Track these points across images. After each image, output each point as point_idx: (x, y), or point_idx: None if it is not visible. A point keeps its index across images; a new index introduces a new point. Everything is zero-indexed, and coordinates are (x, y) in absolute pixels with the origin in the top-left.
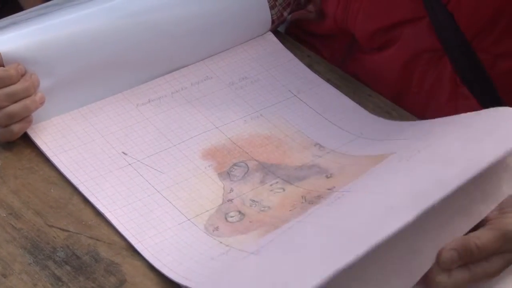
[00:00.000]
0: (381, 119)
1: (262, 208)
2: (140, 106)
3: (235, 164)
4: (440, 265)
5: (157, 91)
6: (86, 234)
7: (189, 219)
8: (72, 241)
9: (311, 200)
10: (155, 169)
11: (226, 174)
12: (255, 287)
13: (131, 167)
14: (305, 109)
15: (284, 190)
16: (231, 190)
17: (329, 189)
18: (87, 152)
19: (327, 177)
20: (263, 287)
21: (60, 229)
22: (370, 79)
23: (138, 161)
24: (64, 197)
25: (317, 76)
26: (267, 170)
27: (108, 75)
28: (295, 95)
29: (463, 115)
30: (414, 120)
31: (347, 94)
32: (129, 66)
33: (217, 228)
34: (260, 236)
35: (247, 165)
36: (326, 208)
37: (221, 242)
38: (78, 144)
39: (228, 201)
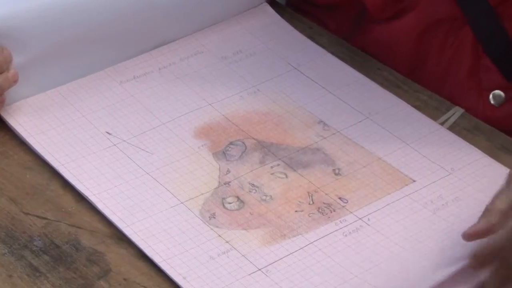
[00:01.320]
0: (391, 96)
1: (263, 197)
2: (124, 83)
3: (231, 143)
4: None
5: (142, 67)
6: (66, 222)
7: (182, 202)
8: (51, 229)
9: (320, 208)
10: (143, 150)
11: (221, 153)
12: None
13: (116, 147)
14: (307, 83)
15: (286, 176)
16: (228, 171)
17: (340, 199)
18: (66, 133)
19: (335, 173)
20: None
21: (37, 216)
22: (381, 52)
23: (124, 141)
24: (41, 183)
25: (320, 47)
26: (267, 149)
27: (88, 51)
28: (295, 68)
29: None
30: (429, 93)
31: (353, 68)
32: (112, 40)
33: (213, 215)
34: (265, 241)
35: (244, 143)
36: (343, 241)
37: (220, 236)
38: (56, 124)
39: (224, 184)
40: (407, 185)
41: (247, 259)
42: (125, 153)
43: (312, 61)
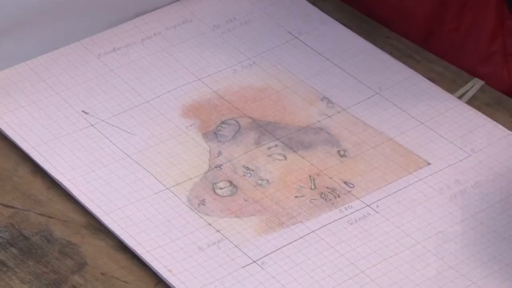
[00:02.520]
0: (403, 68)
1: (259, 181)
2: (103, 56)
3: (223, 122)
4: None
5: (123, 38)
6: (35, 211)
7: (168, 188)
8: (19, 219)
9: (323, 193)
10: (124, 130)
11: (212, 134)
12: None
13: (94, 128)
14: (309, 54)
15: (285, 158)
16: (219, 153)
17: (346, 184)
18: (38, 112)
19: (340, 155)
20: None
21: (3, 205)
22: (390, 17)
23: (102, 121)
24: (8, 168)
25: (323, 13)
26: (263, 129)
27: (62, 19)
28: (296, 37)
29: None
30: (445, 64)
31: (360, 36)
32: (89, 7)
33: (203, 202)
34: (261, 230)
35: (238, 122)
36: (348, 230)
37: (209, 224)
38: (26, 102)
39: (216, 167)
40: (421, 168)
41: (240, 250)
42: (104, 134)
43: (315, 29)
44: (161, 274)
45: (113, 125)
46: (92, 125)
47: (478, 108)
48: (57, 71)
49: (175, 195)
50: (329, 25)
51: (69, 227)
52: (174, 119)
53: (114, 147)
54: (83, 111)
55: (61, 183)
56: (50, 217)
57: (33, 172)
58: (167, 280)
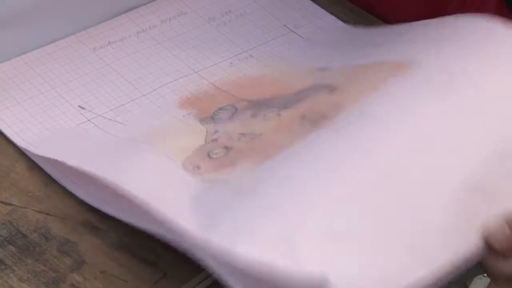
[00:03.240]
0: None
1: (252, 137)
2: (98, 50)
3: (220, 108)
4: (490, 247)
5: (118, 32)
6: (33, 208)
7: (164, 154)
8: (16, 217)
9: (313, 120)
10: (120, 123)
11: (209, 118)
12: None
13: (91, 123)
14: (306, 47)
15: (279, 115)
16: (216, 131)
17: (334, 108)
18: (34, 108)
19: (330, 91)
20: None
21: (1, 202)
22: (390, 11)
23: (99, 115)
24: (5, 165)
25: (320, 8)
26: (260, 104)
27: (56, 13)
28: (292, 31)
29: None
30: None
31: None
32: (82, 1)
33: (198, 167)
34: (253, 166)
35: (235, 106)
36: (334, 135)
37: (202, 180)
38: (22, 98)
39: (212, 141)
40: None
41: (231, 183)
42: (101, 129)
43: (312, 23)
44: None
45: (110, 119)
46: (89, 120)
47: None
48: (53, 65)
49: (170, 158)
50: (326, 20)
51: (67, 225)
52: (171, 111)
53: (113, 137)
54: (79, 106)
55: (58, 180)
56: (48, 214)
57: (30, 168)
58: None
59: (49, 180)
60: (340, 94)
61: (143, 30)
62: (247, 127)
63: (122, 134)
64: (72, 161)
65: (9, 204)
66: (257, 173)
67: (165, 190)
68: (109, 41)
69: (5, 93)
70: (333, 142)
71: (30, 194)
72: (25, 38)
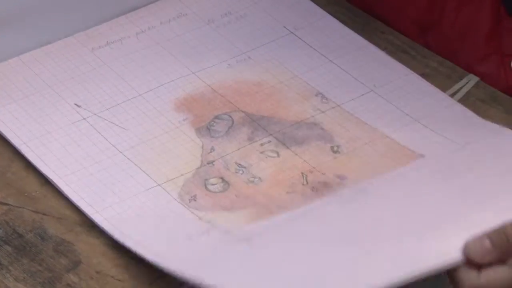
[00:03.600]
0: (398, 65)
1: (251, 179)
2: (97, 50)
3: (216, 117)
4: (468, 259)
5: (117, 32)
6: (29, 208)
7: (159, 185)
8: (13, 217)
9: (315, 187)
10: (116, 125)
11: (205, 129)
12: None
13: (86, 122)
14: (305, 49)
15: (278, 155)
16: (212, 149)
17: (338, 177)
18: (30, 106)
19: (333, 150)
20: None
21: None
22: (386, 11)
23: (95, 114)
24: (1, 164)
25: (320, 9)
26: (257, 124)
27: (55, 13)
28: (291, 32)
29: None
30: (439, 59)
31: (354, 31)
32: (82, 2)
33: (194, 198)
34: (251, 219)
35: (231, 117)
36: (338, 210)
37: (200, 219)
38: (19, 97)
39: (208, 163)
40: (415, 160)
41: (230, 233)
42: (96, 129)
43: (311, 25)
44: (151, 260)
45: (105, 119)
46: (84, 119)
47: (473, 104)
48: (51, 65)
49: (167, 191)
50: (325, 21)
51: (63, 225)
52: (166, 113)
53: (106, 142)
54: (75, 104)
55: (52, 181)
56: (44, 214)
57: (27, 168)
58: (162, 267)
59: (46, 180)
60: (344, 162)
61: (142, 31)
62: (244, 156)
63: (117, 141)
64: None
65: (5, 204)
66: (255, 226)
67: (161, 227)
68: (107, 41)
69: (2, 92)
70: (335, 218)
71: (26, 194)
72: (24, 38)
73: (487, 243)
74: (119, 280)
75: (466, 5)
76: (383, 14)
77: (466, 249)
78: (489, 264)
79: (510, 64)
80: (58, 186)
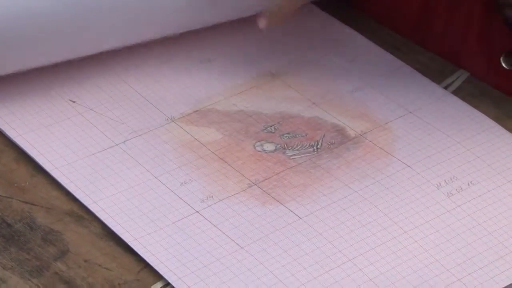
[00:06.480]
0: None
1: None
2: None
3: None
4: None
5: None
6: (18, 198)
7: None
8: (2, 207)
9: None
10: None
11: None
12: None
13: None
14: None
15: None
16: None
17: None
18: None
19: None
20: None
21: None
22: (380, 12)
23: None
24: None
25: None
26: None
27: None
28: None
29: None
30: (430, 55)
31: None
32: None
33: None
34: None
35: None
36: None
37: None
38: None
39: None
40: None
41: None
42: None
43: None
44: (149, 262)
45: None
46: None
47: (464, 99)
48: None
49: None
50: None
51: (52, 214)
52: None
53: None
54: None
55: (49, 171)
56: (33, 204)
57: (17, 159)
58: (155, 267)
59: (35, 171)
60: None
61: None
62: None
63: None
64: None
65: None
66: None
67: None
68: None
69: None
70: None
71: (16, 185)
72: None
73: None
74: (107, 269)
75: (456, 5)
76: (377, 13)
77: None
78: None
79: (500, 62)
80: (54, 176)
